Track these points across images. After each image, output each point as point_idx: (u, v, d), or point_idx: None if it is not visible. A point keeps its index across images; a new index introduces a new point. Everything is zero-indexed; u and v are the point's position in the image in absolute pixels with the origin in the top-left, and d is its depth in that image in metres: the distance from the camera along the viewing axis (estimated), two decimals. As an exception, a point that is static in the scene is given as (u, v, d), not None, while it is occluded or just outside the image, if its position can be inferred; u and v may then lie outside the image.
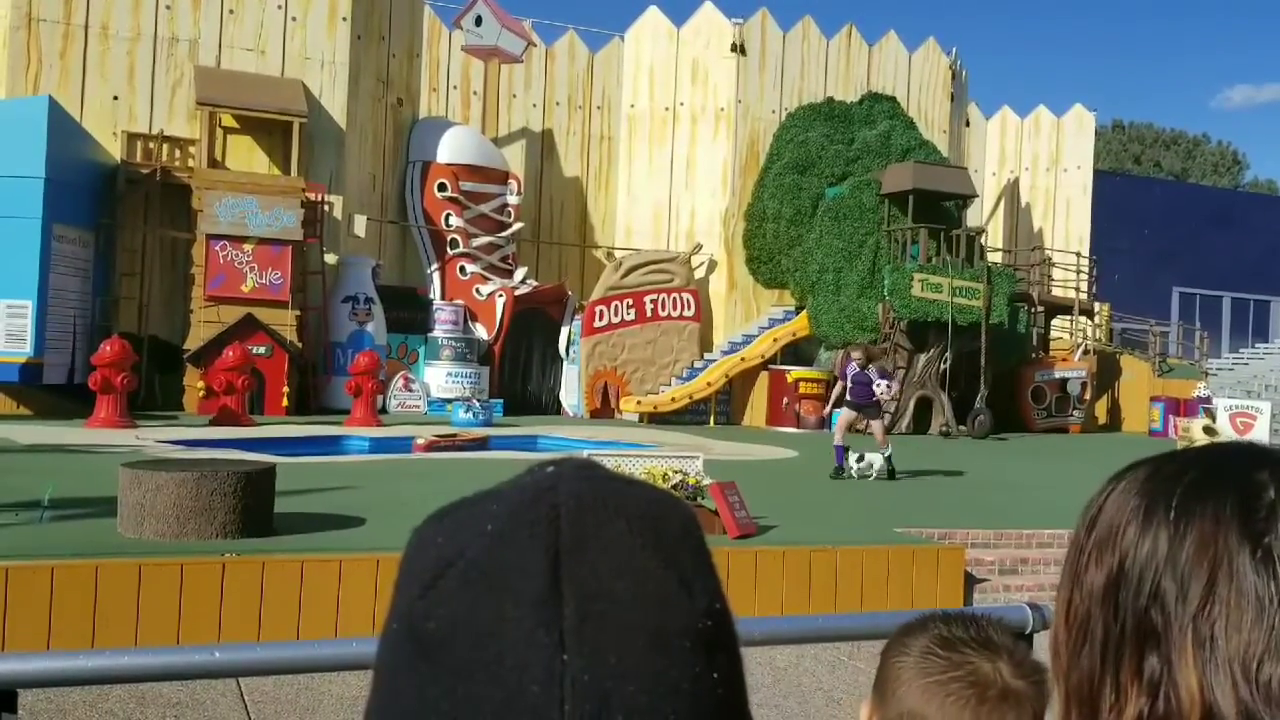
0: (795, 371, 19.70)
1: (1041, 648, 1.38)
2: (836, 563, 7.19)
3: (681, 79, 22.49)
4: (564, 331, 20.29)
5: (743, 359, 20.13)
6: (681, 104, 22.45)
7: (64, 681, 1.43)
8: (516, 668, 0.47)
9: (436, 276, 20.33)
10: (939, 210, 20.39)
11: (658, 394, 19.90)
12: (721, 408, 20.14)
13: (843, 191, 20.71)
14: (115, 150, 17.20)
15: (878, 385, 11.89)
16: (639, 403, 19.49)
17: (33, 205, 15.39)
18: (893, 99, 23.01)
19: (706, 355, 20.92)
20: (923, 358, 19.62)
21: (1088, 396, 21.95)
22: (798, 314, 20.79)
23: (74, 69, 17.33)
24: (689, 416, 19.45)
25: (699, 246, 21.70)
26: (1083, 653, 0.70)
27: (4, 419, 14.13)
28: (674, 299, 20.72)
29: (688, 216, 22.29)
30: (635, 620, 0.49)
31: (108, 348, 13.59)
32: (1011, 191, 28.56)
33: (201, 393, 15.61)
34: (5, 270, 15.25)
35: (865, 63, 23.42)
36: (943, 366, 19.60)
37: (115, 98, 17.52)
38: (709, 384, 19.80)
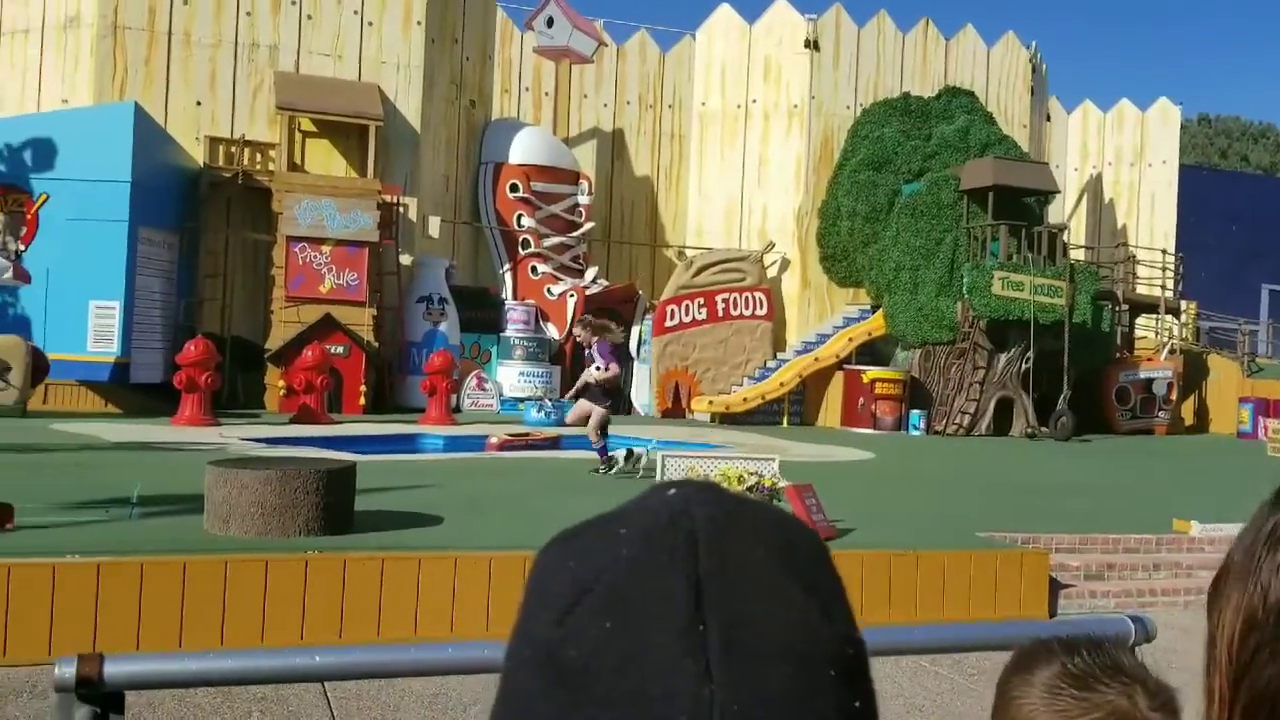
0: (871, 371, 19.45)
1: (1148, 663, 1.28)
2: (917, 568, 7.03)
3: (754, 76, 22.34)
4: (634, 331, 20.28)
5: (816, 359, 19.92)
6: (754, 101, 22.30)
7: (172, 684, 1.41)
8: (664, 697, 0.46)
9: (508, 276, 20.46)
10: (1020, 207, 19.96)
11: (729, 394, 19.78)
12: (795, 408, 19.95)
13: (920, 188, 20.39)
14: (198, 155, 17.58)
15: (595, 365, 10.10)
16: (710, 403, 19.39)
17: (120, 209, 15.80)
18: (971, 93, 22.60)
19: (779, 355, 20.75)
20: (1003, 358, 19.23)
21: (1174, 397, 21.32)
22: (873, 313, 20.52)
23: (158, 75, 17.76)
24: (761, 417, 19.29)
25: (771, 245, 21.54)
26: (1266, 666, 0.68)
27: (93, 417, 14.52)
28: (746, 298, 20.58)
29: (760, 215, 22.13)
30: (780, 648, 0.48)
31: (192, 347, 13.89)
32: (1094, 187, 27.87)
33: (282, 391, 15.89)
34: (94, 272, 15.68)
35: (942, 57, 23.04)
36: (1024, 367, 19.20)
37: (198, 103, 17.91)
38: (782, 384, 19.63)
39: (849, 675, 0.50)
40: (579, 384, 10.63)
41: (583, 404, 10.48)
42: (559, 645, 0.48)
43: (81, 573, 5.34)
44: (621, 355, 10.49)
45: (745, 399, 19.46)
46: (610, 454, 10.39)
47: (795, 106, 21.93)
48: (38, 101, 18.00)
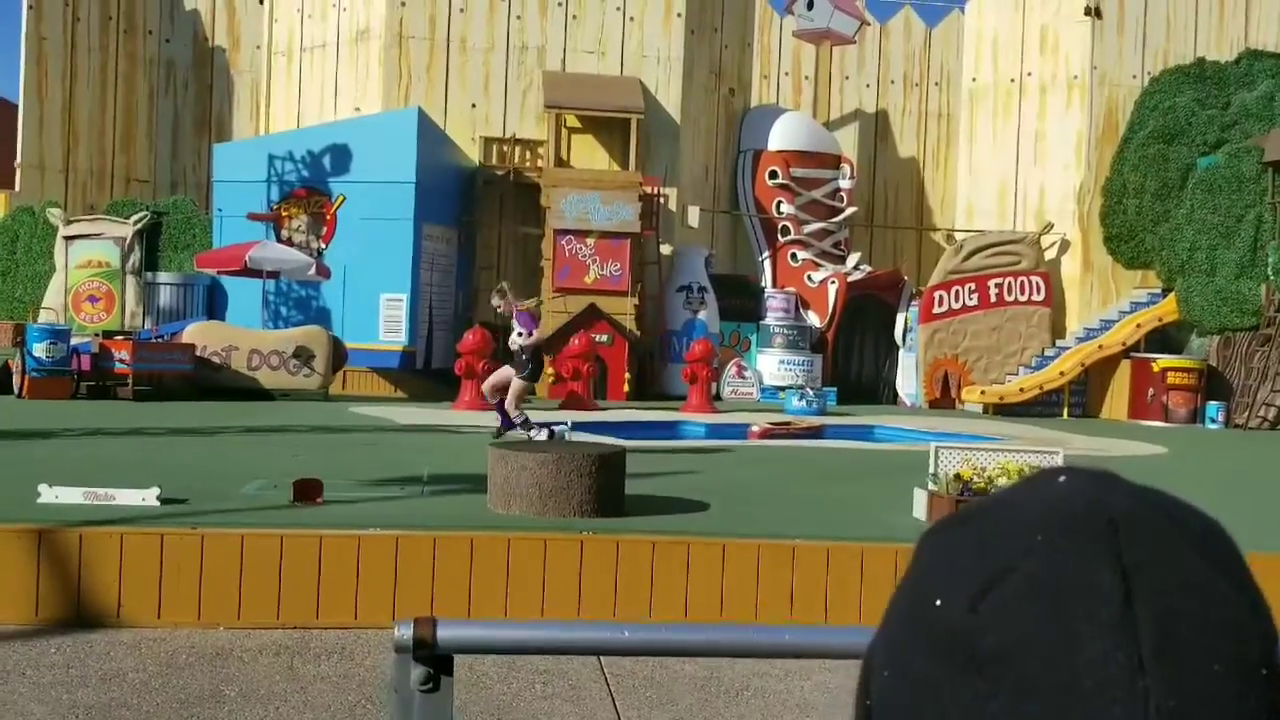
0: (1162, 360, 18.00)
1: None
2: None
3: (1029, 48, 21.13)
4: (900, 318, 19.69)
5: (1100, 346, 18.65)
6: (1029, 74, 21.09)
7: (498, 650, 1.42)
8: (1095, 689, 0.45)
9: (768, 264, 20.37)
10: (1334, 177, 17.88)
11: (1004, 384, 18.86)
12: (1076, 399, 18.77)
13: (1217, 161, 18.66)
14: (474, 154, 18.56)
15: (516, 333, 9.80)
16: (983, 393, 18.55)
17: (405, 208, 16.93)
18: (1276, 56, 20.43)
19: (1058, 342, 19.58)
20: (1315, 344, 17.31)
21: None
22: (1165, 297, 18.99)
23: (438, 81, 18.87)
24: (1039, 408, 18.27)
25: (1049, 226, 20.33)
26: None
27: (384, 401, 15.62)
28: (1021, 282, 19.53)
29: (1036, 194, 20.92)
30: (1213, 645, 0.47)
31: (470, 336, 14.69)
32: None
33: (551, 378, 16.54)
34: (384, 267, 16.89)
35: (1242, 17, 20.95)
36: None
37: (473, 105, 18.90)
38: (1062, 373, 18.51)
39: (1277, 675, 0.48)
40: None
41: (503, 370, 10.20)
42: (974, 632, 0.48)
43: (382, 544, 5.71)
44: (538, 324, 10.13)
45: (1021, 389, 18.49)
46: (520, 424, 9.87)
47: (1075, 78, 20.57)
48: (334, 111, 19.55)
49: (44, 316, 17.30)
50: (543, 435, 9.43)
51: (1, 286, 19.00)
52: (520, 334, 9.87)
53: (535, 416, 10.37)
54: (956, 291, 19.29)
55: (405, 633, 1.21)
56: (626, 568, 6.00)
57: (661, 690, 5.01)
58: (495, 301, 10.38)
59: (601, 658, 5.30)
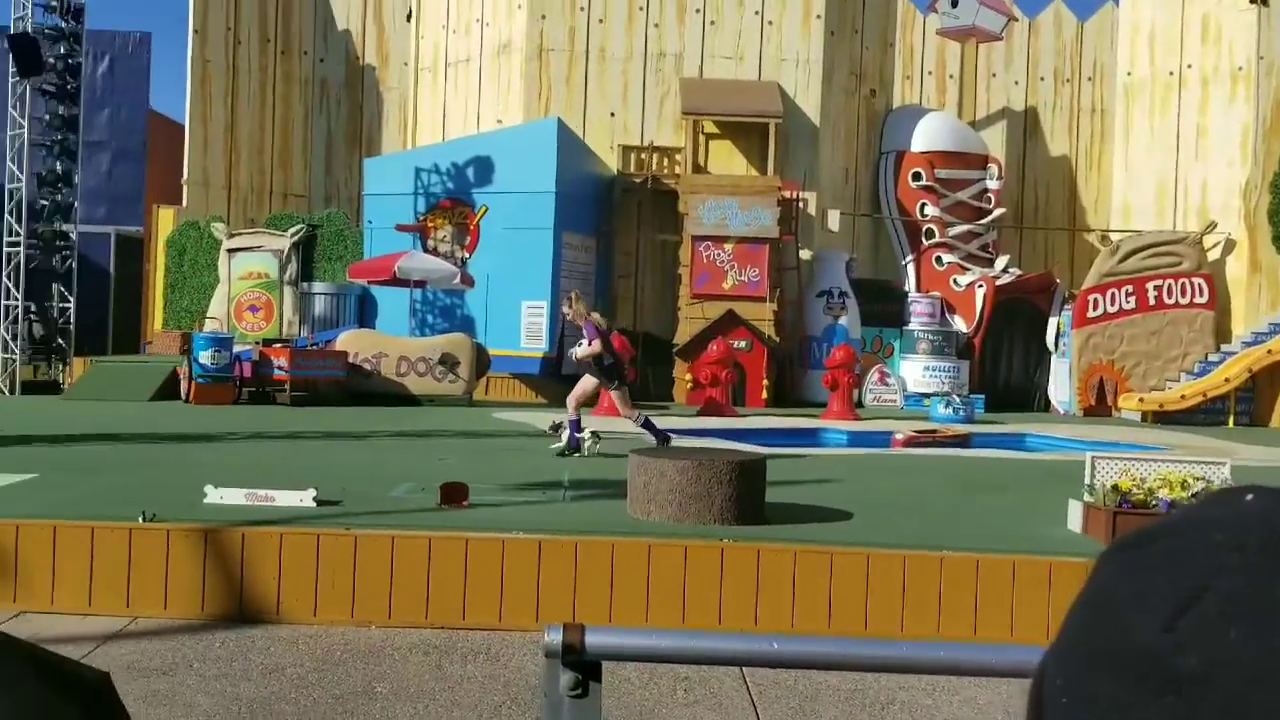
0: (1338, 365, 16.82)
1: None
2: None
3: (1189, 39, 20.09)
4: (1052, 322, 18.97)
5: (1270, 351, 17.55)
6: (1189, 66, 20.06)
7: (645, 658, 1.40)
8: None
9: (911, 268, 19.92)
10: None
11: (1164, 390, 17.94)
12: (1242, 407, 17.72)
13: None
14: (612, 162, 18.74)
15: (578, 343, 9.79)
16: (1141, 400, 17.70)
17: (546, 217, 17.22)
18: None
19: (1223, 347, 18.52)
20: None
21: None
22: (1340, 298, 17.76)
23: (577, 91, 19.13)
24: (1202, 416, 17.32)
25: (1213, 225, 19.26)
26: None
27: (526, 406, 15.90)
28: (1182, 284, 18.55)
29: (1198, 191, 19.86)
30: None
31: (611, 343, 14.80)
32: None
33: (689, 385, 16.54)
34: (525, 276, 17.21)
35: None
36: None
37: (612, 114, 19.08)
38: (1227, 379, 17.50)
39: None
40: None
41: (586, 380, 10.23)
42: (1171, 652, 0.46)
43: (526, 548, 5.80)
44: (606, 338, 10.08)
45: (1183, 396, 17.56)
46: (575, 433, 9.89)
47: (1240, 69, 19.45)
48: (477, 123, 20.04)
49: (209, 326, 18.26)
50: (649, 435, 9.77)
51: (171, 297, 20.14)
52: (582, 343, 10.07)
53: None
54: (1113, 294, 18.44)
55: (554, 638, 1.21)
56: (768, 577, 5.93)
57: (805, 701, 4.92)
58: (564, 309, 10.60)
59: (745, 667, 5.24)
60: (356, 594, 5.71)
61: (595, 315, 10.40)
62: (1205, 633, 0.46)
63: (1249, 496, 0.51)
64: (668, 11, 19.00)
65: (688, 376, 16.83)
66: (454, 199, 18.26)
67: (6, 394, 16.10)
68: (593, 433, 9.92)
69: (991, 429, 14.83)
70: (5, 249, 16.43)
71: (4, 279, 16.42)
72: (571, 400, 10.14)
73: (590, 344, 9.93)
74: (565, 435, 9.89)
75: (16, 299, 16.37)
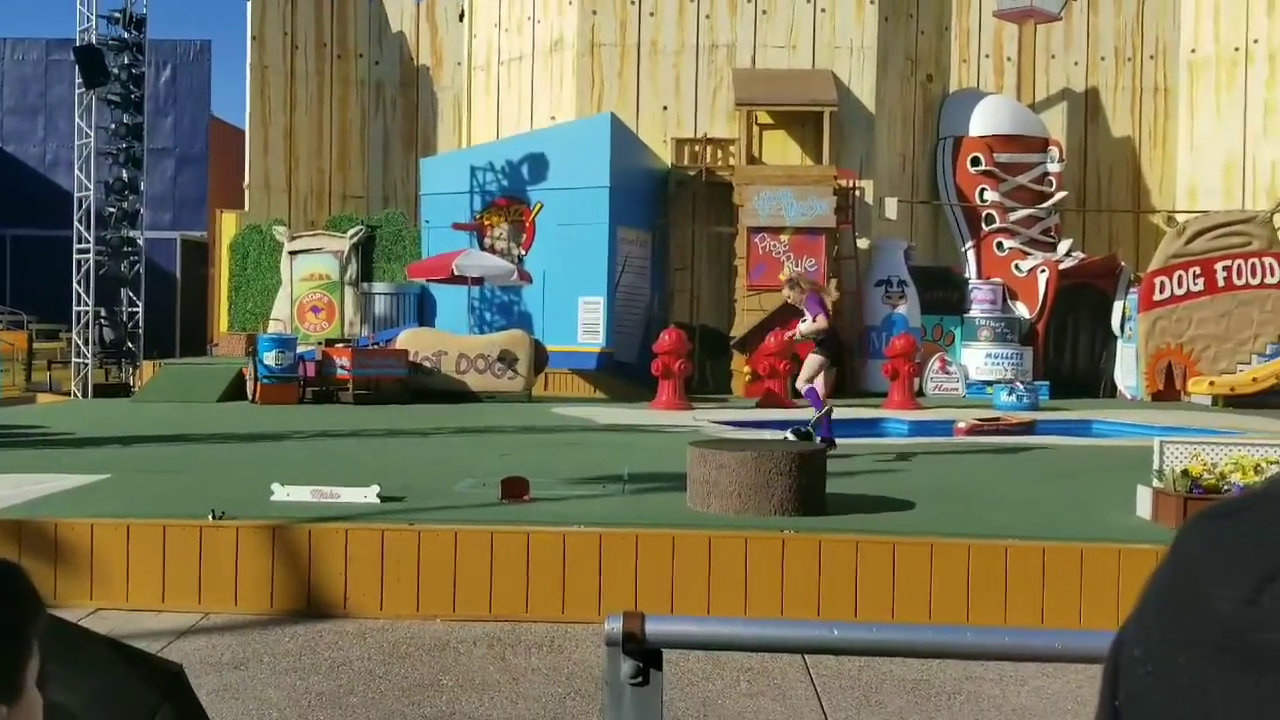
0: None
1: None
2: None
3: (1254, 13, 19.56)
4: (1117, 306, 18.59)
5: (1344, 330, 17.05)
6: (1255, 41, 19.52)
7: (705, 645, 1.40)
8: None
9: (971, 254, 19.64)
10: None
11: (1235, 373, 17.50)
12: (1317, 389, 17.23)
13: None
14: (665, 156, 18.72)
15: (803, 319, 9.33)
16: (1212, 384, 17.28)
17: (600, 212, 17.25)
18: None
19: (1295, 328, 18.02)
20: None
21: None
22: None
23: (629, 85, 19.13)
24: (1275, 399, 16.86)
25: (1283, 203, 18.75)
26: None
27: (584, 401, 15.96)
28: (1252, 265, 18.06)
29: (1267, 169, 19.34)
30: None
31: (666, 337, 14.82)
32: None
33: (747, 377, 16.48)
34: (581, 271, 17.27)
35: None
36: None
37: (664, 107, 19.06)
38: (1300, 361, 17.03)
39: None
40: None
41: (812, 360, 9.66)
42: (1254, 626, 0.45)
43: (586, 541, 5.83)
44: (827, 308, 9.64)
45: (1255, 379, 17.12)
46: (824, 414, 9.47)
47: (1308, 41, 18.92)
48: (530, 121, 20.14)
49: (273, 327, 18.59)
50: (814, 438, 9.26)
51: (235, 300, 20.53)
52: (805, 319, 9.58)
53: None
54: (1180, 277, 18.02)
55: (615, 626, 1.21)
56: (830, 568, 5.89)
57: (870, 692, 4.89)
58: (786, 293, 10.22)
59: (808, 657, 5.22)
60: (421, 588, 5.78)
61: (816, 287, 10.05)
62: None
63: None
64: (719, 2, 18.92)
65: (746, 369, 16.77)
66: (509, 196, 18.37)
67: (79, 397, 16.53)
68: (795, 430, 9.57)
69: (1056, 416, 14.58)
70: (75, 256, 16.87)
71: (75, 285, 16.86)
72: (812, 388, 9.48)
73: (815, 319, 9.43)
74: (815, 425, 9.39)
75: (87, 304, 16.79)
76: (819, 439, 9.25)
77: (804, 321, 9.61)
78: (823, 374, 9.61)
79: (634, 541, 5.80)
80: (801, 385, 9.72)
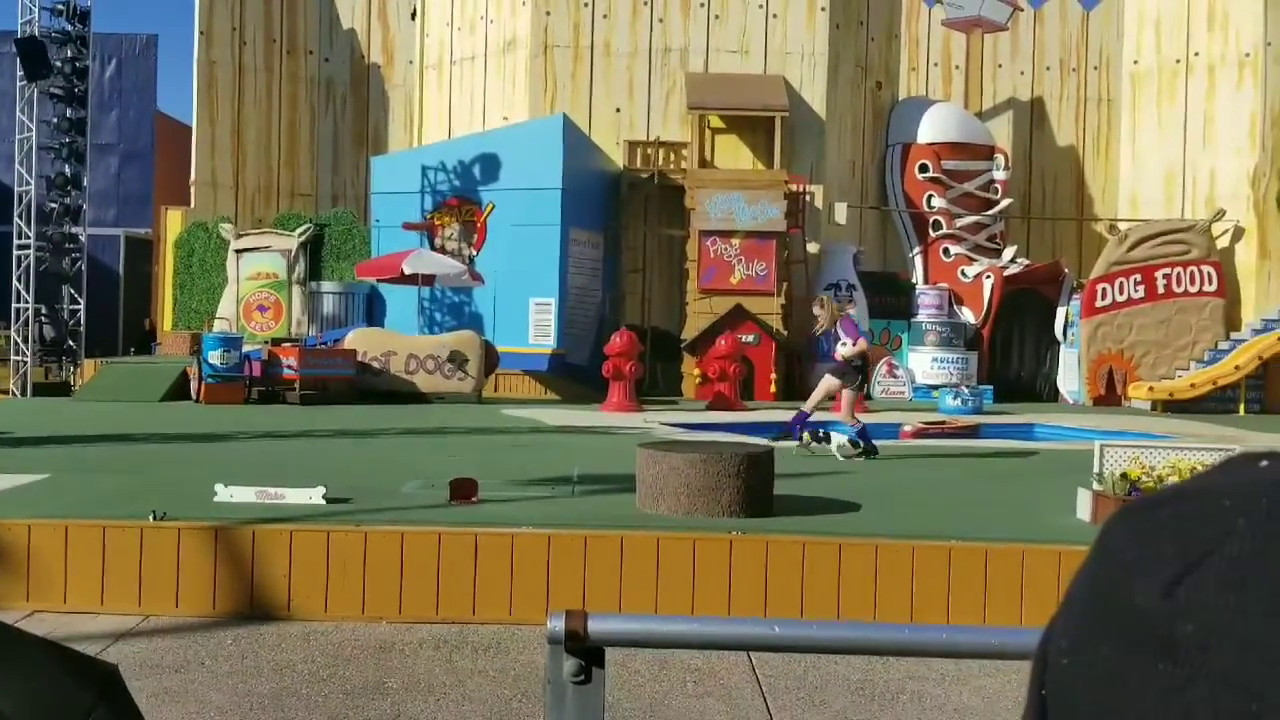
0: (1349, 352, 16.75)
1: None
2: None
3: (1195, 26, 20.01)
4: (1061, 312, 18.92)
5: (1280, 338, 17.50)
6: (1196, 54, 19.98)
7: (648, 644, 1.41)
8: None
9: (918, 260, 19.88)
10: None
11: (1174, 379, 17.90)
12: (1253, 395, 17.67)
13: None
14: (618, 158, 18.73)
15: (841, 343, 9.69)
16: (1151, 389, 17.65)
17: (552, 213, 17.22)
18: None
19: (1233, 335, 18.46)
20: None
21: None
22: (1352, 284, 17.68)
23: (582, 87, 19.12)
24: (1212, 404, 17.26)
25: (1221, 213, 19.19)
26: None
27: (534, 403, 15.92)
28: (1191, 272, 18.49)
29: (1206, 179, 19.79)
30: None
31: (617, 339, 14.83)
32: None
33: (698, 379, 16.54)
34: (533, 273, 17.22)
35: None
36: None
37: (617, 110, 19.08)
38: (1237, 367, 17.45)
39: None
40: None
41: (829, 380, 9.94)
42: (1169, 618, 0.45)
43: (535, 542, 5.82)
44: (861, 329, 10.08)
45: (1193, 385, 17.52)
46: (858, 433, 9.76)
47: (1247, 55, 19.37)
48: (483, 121, 20.05)
49: (218, 326, 18.32)
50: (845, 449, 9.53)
51: (180, 298, 20.21)
52: (844, 343, 9.81)
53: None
54: (1121, 284, 18.40)
55: (558, 625, 1.22)
56: (777, 569, 5.94)
57: (815, 692, 4.94)
58: (816, 311, 10.35)
59: (754, 658, 5.26)
60: (367, 590, 5.74)
61: (851, 310, 10.20)
62: (1203, 598, 0.45)
63: (1263, 463, 0.50)
64: (672, 6, 18.98)
65: (696, 371, 16.83)
66: (461, 197, 18.28)
67: (18, 395, 16.18)
68: (813, 434, 9.83)
69: (1000, 419, 14.81)
70: (15, 252, 16.51)
71: (15, 282, 16.50)
72: (811, 405, 9.89)
73: (855, 343, 9.76)
74: (840, 440, 9.65)
75: (27, 301, 16.44)
76: (790, 431, 9.64)
77: (843, 345, 9.81)
78: (848, 394, 9.82)
79: (583, 543, 5.80)
80: (846, 416, 9.89)
